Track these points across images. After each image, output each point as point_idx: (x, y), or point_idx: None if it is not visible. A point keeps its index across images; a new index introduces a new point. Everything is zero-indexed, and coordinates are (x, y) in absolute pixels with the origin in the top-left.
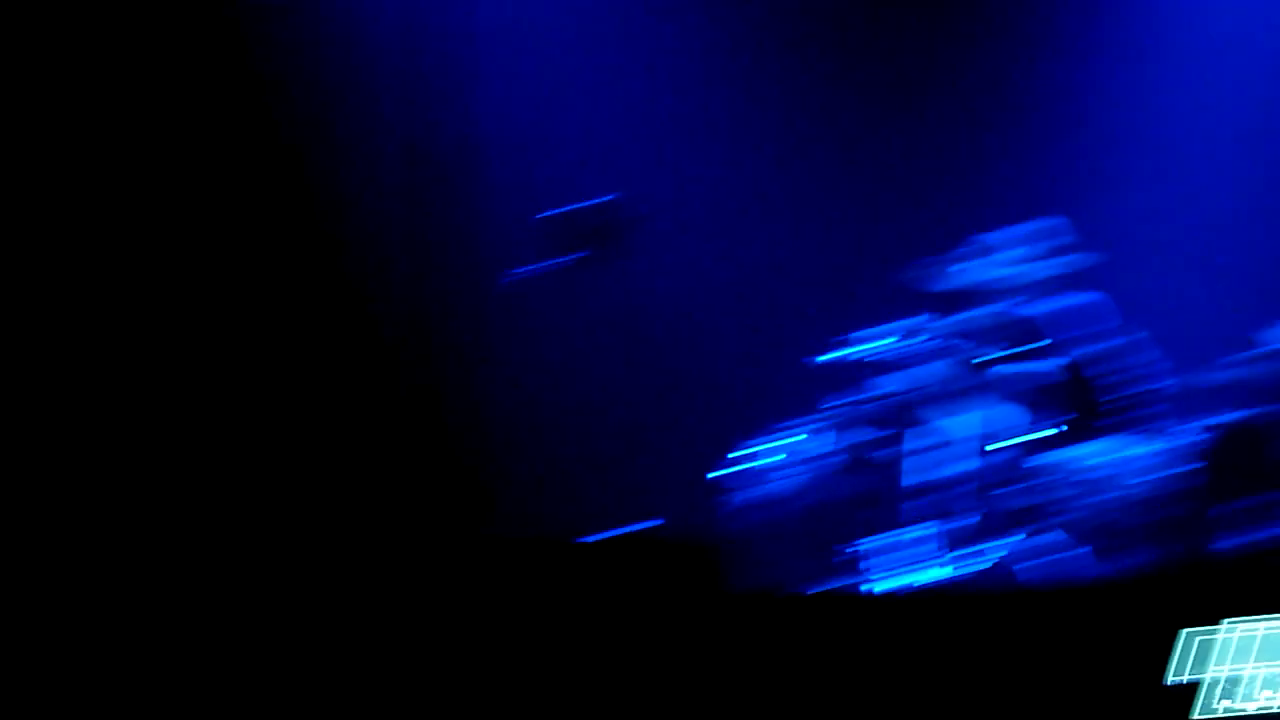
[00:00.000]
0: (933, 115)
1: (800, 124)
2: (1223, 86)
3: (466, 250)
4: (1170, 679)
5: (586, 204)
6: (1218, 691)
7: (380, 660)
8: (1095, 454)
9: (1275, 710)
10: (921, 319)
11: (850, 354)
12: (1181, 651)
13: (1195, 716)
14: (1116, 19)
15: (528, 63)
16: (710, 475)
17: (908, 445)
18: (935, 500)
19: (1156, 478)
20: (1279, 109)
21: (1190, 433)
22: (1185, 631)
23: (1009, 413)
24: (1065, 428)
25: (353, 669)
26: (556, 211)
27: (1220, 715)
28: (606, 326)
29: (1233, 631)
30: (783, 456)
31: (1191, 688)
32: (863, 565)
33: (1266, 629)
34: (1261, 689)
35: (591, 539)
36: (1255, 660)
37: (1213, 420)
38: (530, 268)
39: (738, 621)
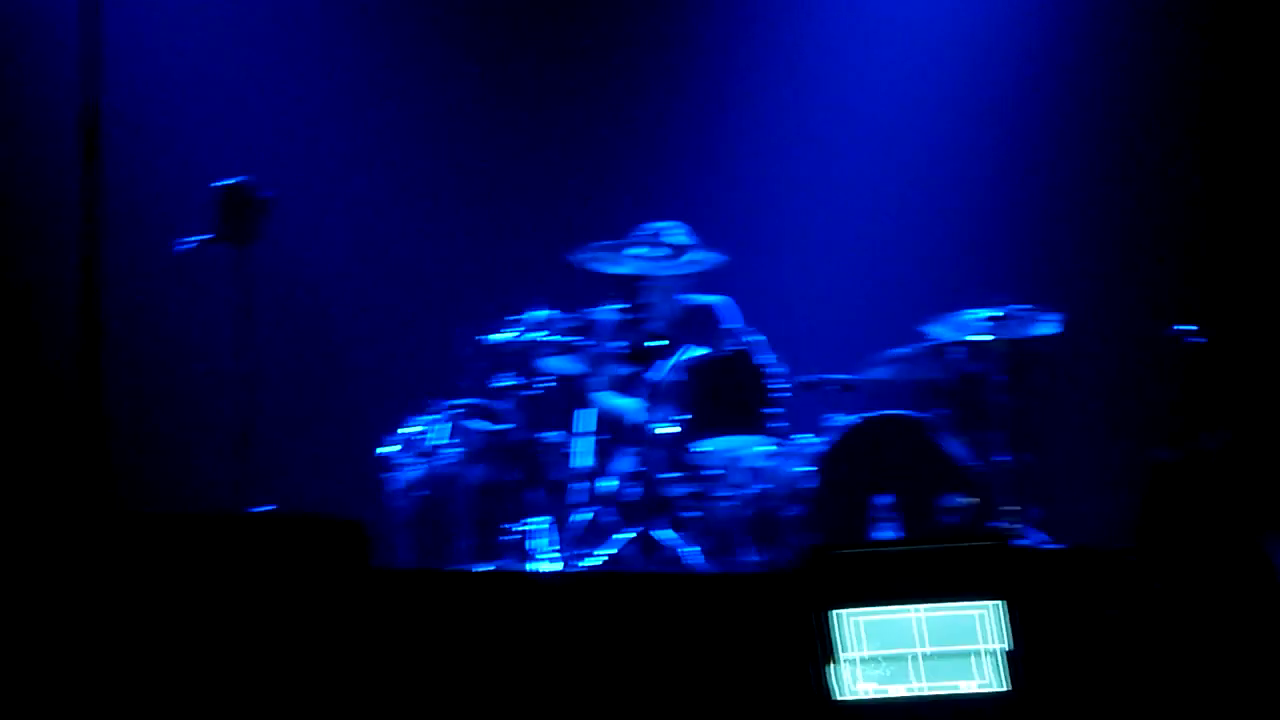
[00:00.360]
0: (568, 115)
1: (445, 121)
2: (858, 93)
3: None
4: (799, 666)
5: (233, 184)
6: (837, 678)
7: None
8: (728, 450)
9: (889, 697)
10: (570, 311)
11: (490, 344)
12: (805, 639)
13: (836, 699)
14: (753, 29)
15: (200, 48)
16: (353, 456)
17: (553, 434)
18: (580, 489)
19: (785, 475)
20: (911, 116)
21: (817, 432)
22: (811, 618)
23: (646, 407)
24: (700, 424)
25: None
26: (210, 189)
27: (840, 701)
28: (253, 308)
29: (849, 620)
30: (437, 439)
31: (816, 674)
32: (514, 547)
33: (873, 617)
34: (866, 678)
35: (238, 514)
36: (868, 648)
37: (836, 420)
38: (181, 245)
39: (382, 597)
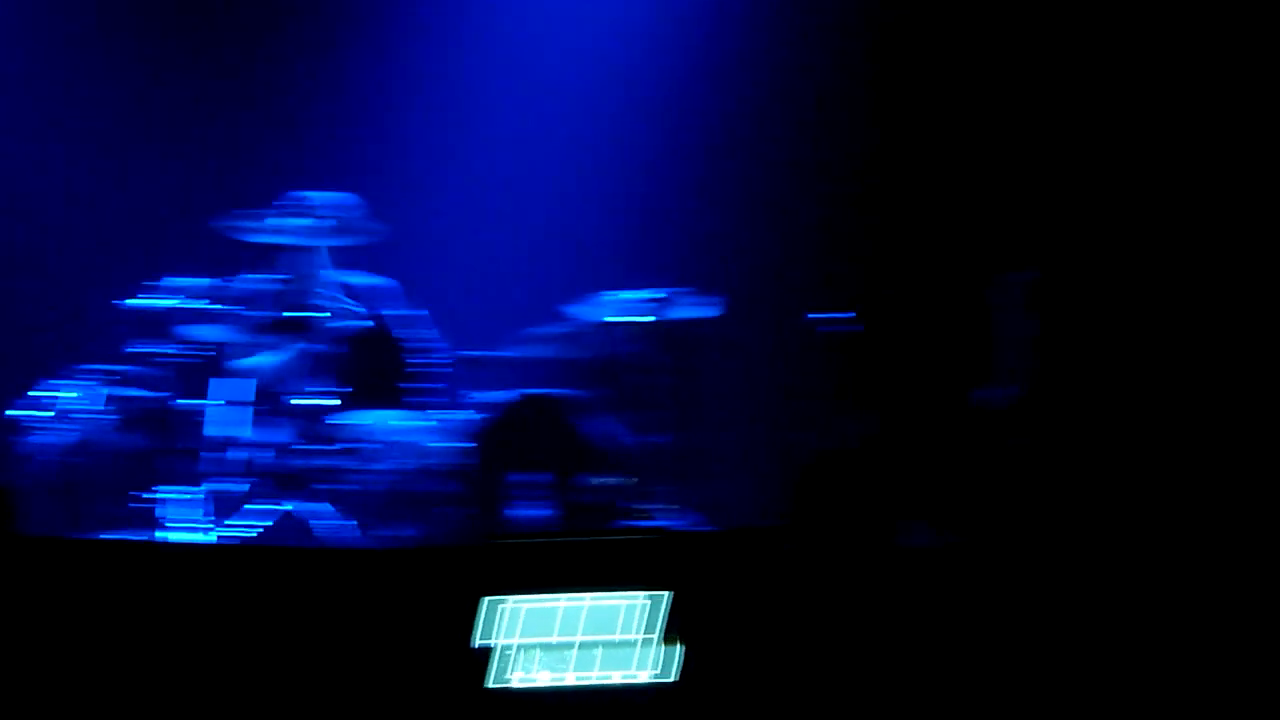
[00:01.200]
0: (228, 75)
1: (91, 72)
2: (519, 70)
3: None
4: (453, 651)
5: None
6: (493, 665)
7: None
8: (375, 424)
9: (543, 686)
10: (214, 278)
11: (148, 306)
12: (461, 624)
13: (487, 686)
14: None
15: None
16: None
17: (192, 403)
18: (218, 459)
19: (435, 451)
20: (575, 97)
21: (469, 409)
22: (468, 603)
23: (291, 378)
24: (348, 397)
25: None
26: None
27: (493, 688)
28: None
29: (507, 607)
30: (74, 404)
31: (470, 660)
32: (151, 516)
33: (532, 605)
34: (521, 667)
35: None
36: (526, 635)
37: (490, 398)
38: None
39: (25, 563)
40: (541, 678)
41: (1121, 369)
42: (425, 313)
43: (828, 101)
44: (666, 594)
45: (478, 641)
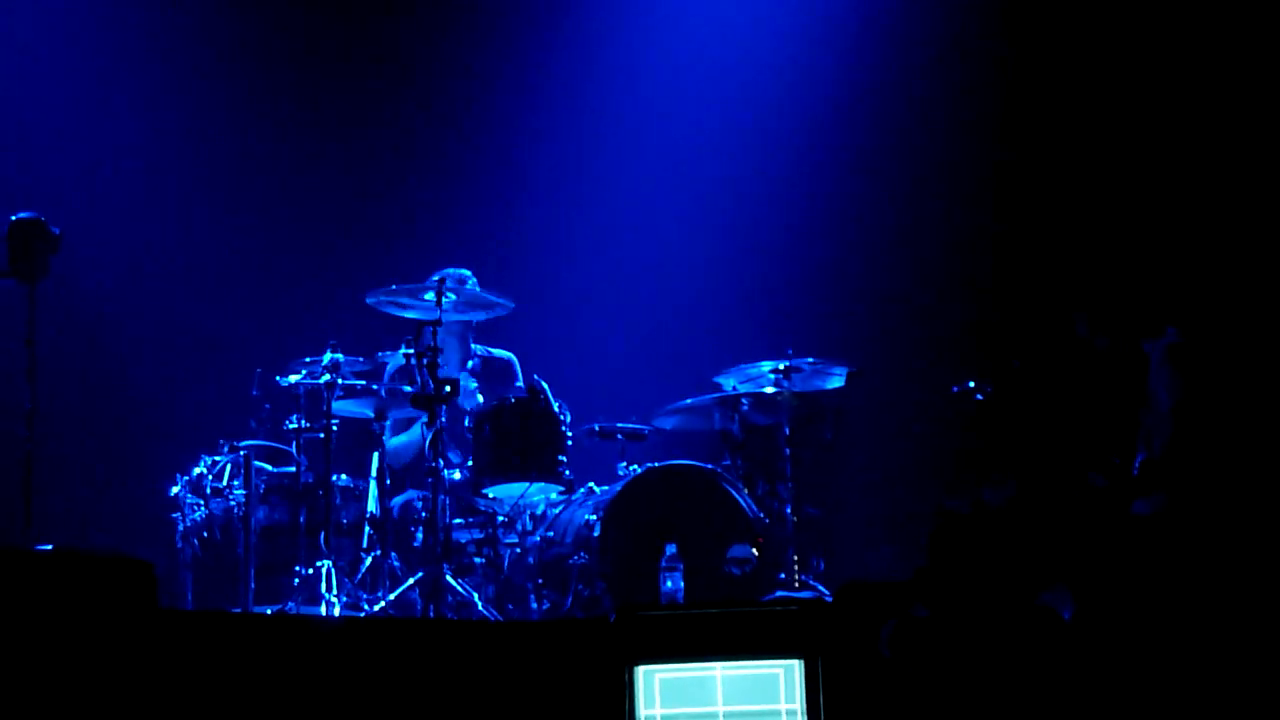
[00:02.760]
0: (363, 159)
1: (240, 161)
2: (653, 143)
3: None
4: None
5: (22, 220)
6: None
7: None
8: (517, 497)
9: None
10: (361, 354)
11: (281, 385)
12: (605, 695)
13: None
14: (549, 80)
15: None
16: (140, 496)
17: (339, 477)
18: (367, 532)
19: (575, 523)
20: (706, 168)
21: (606, 482)
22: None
23: (434, 452)
24: (491, 470)
25: None
26: None
27: None
28: (42, 344)
29: (651, 678)
30: (212, 483)
31: None
32: (301, 590)
33: (675, 675)
34: None
35: (24, 550)
36: (669, 706)
37: (627, 470)
38: None
39: (169, 639)
40: None
41: (1262, 433)
42: (558, 389)
43: (960, 171)
44: (805, 662)
45: (627, 713)
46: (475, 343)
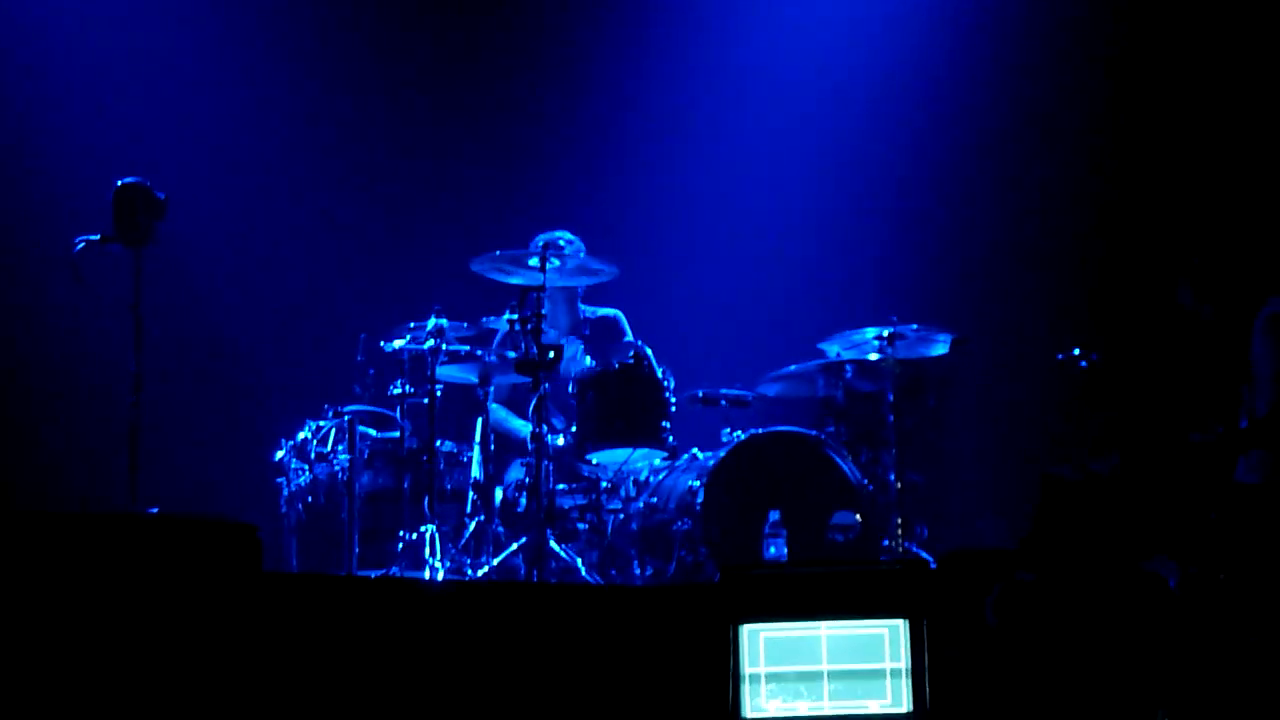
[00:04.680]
0: (469, 122)
1: (346, 125)
2: (758, 110)
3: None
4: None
5: (128, 185)
6: (745, 695)
7: None
8: (621, 462)
9: (796, 716)
10: (467, 320)
11: (385, 350)
12: (712, 655)
13: (744, 716)
14: (654, 41)
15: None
16: (245, 460)
17: (444, 443)
18: (470, 498)
19: (678, 488)
20: (810, 135)
21: (710, 448)
22: (719, 634)
23: (538, 417)
24: (595, 436)
25: None
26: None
27: (749, 718)
28: (147, 309)
29: (757, 636)
30: (317, 448)
31: (723, 691)
32: (405, 554)
33: (780, 634)
34: (772, 696)
35: (129, 515)
36: (774, 665)
37: (731, 436)
38: (75, 245)
39: (273, 602)
40: (798, 707)
41: None
42: (663, 355)
43: (1070, 139)
44: (910, 622)
45: (730, 672)
46: (584, 307)
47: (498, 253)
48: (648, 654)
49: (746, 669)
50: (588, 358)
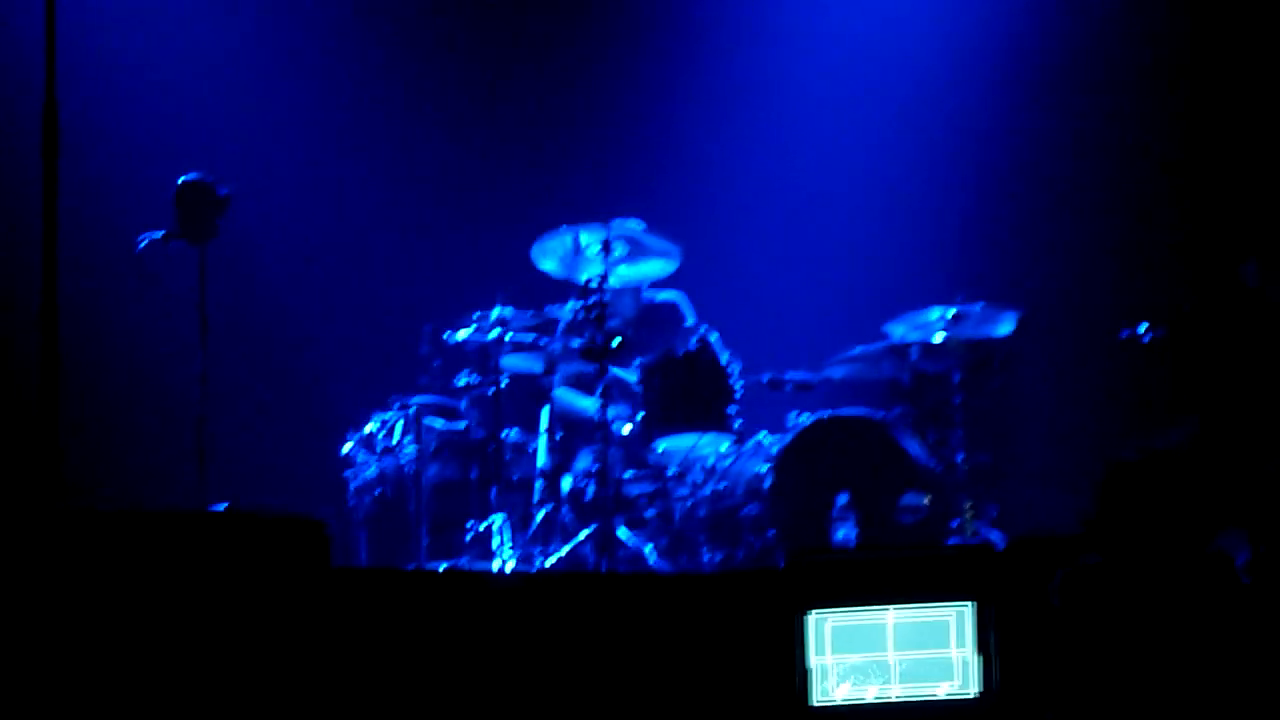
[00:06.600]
0: (530, 111)
1: (406, 117)
2: (819, 89)
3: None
4: (771, 669)
5: (192, 181)
6: (813, 682)
7: None
8: (688, 448)
9: (865, 702)
10: (530, 309)
11: (450, 341)
12: (778, 642)
13: (812, 703)
14: (717, 23)
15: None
16: (312, 454)
17: (511, 432)
18: (537, 487)
19: (746, 473)
20: (872, 113)
21: (776, 432)
22: (787, 621)
23: (605, 404)
24: (661, 422)
25: None
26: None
27: (817, 705)
28: (211, 305)
29: (824, 624)
30: (383, 440)
31: (791, 678)
32: (473, 546)
33: (848, 621)
34: (841, 682)
35: (197, 512)
36: (842, 652)
37: (796, 419)
38: (140, 242)
39: (343, 597)
40: (867, 693)
41: None
42: (728, 339)
43: (1139, 113)
44: (977, 606)
45: (799, 660)
46: (650, 293)
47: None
48: (716, 641)
49: (813, 655)
50: (654, 347)
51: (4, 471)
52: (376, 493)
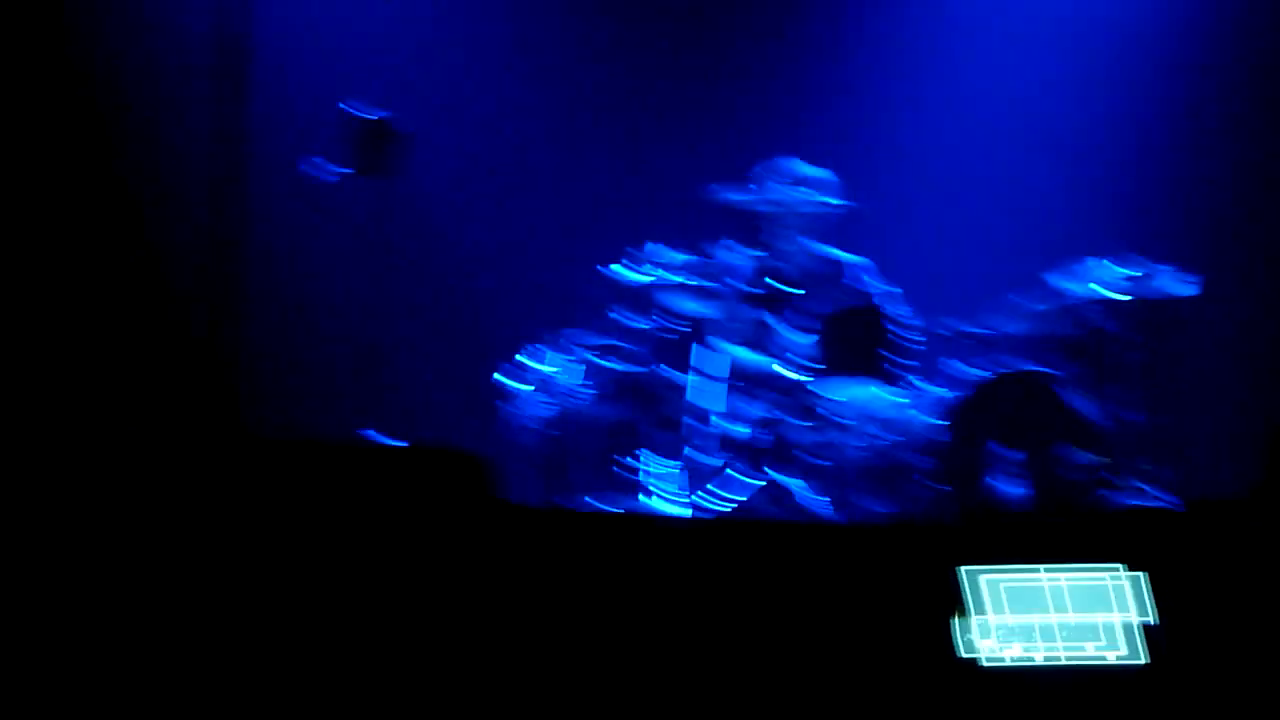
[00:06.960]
0: (713, 57)
1: (583, 51)
2: (997, 57)
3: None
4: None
5: (370, 118)
6: (979, 641)
7: (138, 563)
8: (853, 398)
9: (1033, 664)
10: (697, 251)
11: (631, 277)
12: (945, 598)
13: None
14: None
15: None
16: (479, 388)
17: (673, 374)
18: (698, 431)
19: (913, 426)
20: (1052, 80)
21: (948, 384)
22: (954, 578)
23: (771, 351)
24: (827, 371)
25: (108, 571)
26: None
27: (985, 665)
28: (377, 239)
29: (992, 583)
30: (557, 373)
31: (957, 635)
32: (631, 486)
33: (1015, 582)
34: (1007, 643)
35: (363, 444)
36: (1008, 612)
37: (969, 373)
38: (316, 175)
39: (504, 532)
40: (1034, 656)
41: None
42: (899, 289)
43: None
44: (1142, 572)
45: (965, 616)
46: (820, 240)
47: (737, 182)
48: (878, 593)
49: (979, 614)
50: (823, 294)
51: (184, 400)
52: (544, 432)
